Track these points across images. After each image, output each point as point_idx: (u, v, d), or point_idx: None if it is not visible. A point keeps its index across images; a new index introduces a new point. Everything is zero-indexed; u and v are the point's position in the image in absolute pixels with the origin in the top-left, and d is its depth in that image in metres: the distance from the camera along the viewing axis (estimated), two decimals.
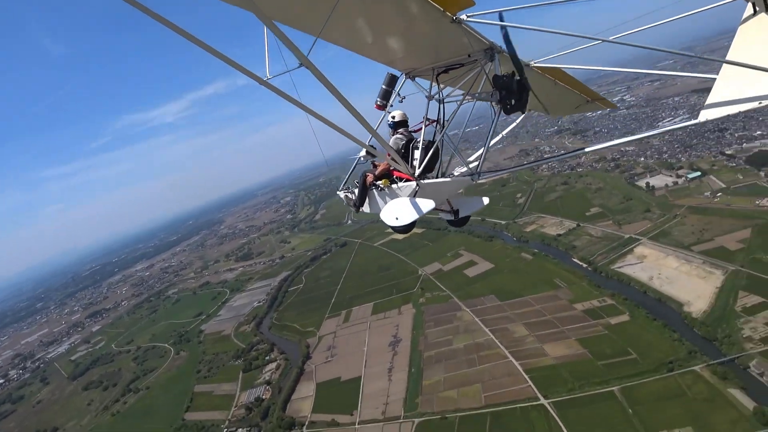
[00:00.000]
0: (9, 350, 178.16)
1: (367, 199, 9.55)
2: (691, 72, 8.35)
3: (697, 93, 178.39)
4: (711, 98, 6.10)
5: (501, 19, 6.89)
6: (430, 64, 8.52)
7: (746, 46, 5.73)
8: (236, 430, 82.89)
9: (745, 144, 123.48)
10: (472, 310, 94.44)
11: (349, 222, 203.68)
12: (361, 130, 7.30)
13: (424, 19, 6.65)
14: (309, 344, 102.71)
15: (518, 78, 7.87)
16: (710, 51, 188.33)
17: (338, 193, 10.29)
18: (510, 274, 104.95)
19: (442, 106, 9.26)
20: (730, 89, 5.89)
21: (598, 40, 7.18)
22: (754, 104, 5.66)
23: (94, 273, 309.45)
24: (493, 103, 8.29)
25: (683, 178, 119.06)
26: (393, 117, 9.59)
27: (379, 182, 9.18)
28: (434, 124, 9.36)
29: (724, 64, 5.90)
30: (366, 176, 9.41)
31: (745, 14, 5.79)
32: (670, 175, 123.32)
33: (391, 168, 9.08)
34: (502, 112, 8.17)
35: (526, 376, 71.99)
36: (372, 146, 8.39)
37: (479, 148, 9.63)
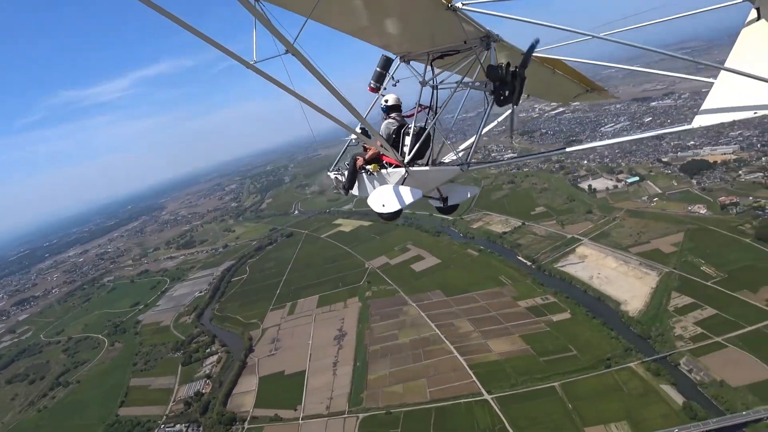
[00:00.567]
0: None
1: (356, 182, 9.90)
2: (690, 74, 8.12)
3: (637, 101, 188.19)
4: (706, 104, 5.88)
5: (532, 47, 7.32)
6: (425, 48, 8.36)
7: (746, 52, 5.51)
8: (174, 425, 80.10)
9: (680, 153, 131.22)
10: (418, 305, 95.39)
11: (296, 212, 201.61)
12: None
13: (419, 4, 6.57)
14: (252, 337, 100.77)
15: (513, 69, 7.75)
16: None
17: (328, 173, 10.76)
18: (456, 269, 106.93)
19: (435, 92, 9.09)
20: (727, 96, 5.69)
21: (589, 35, 6.91)
22: (749, 114, 5.59)
23: (21, 258, 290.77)
24: (487, 93, 8.21)
25: (623, 182, 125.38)
26: (386, 101, 9.64)
27: (368, 166, 9.46)
28: (427, 110, 9.26)
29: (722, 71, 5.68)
30: (356, 160, 9.72)
31: (749, 18, 5.54)
32: (611, 179, 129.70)
33: (381, 153, 9.20)
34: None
35: (470, 372, 73.42)
36: (363, 130, 8.55)
37: (471, 137, 9.69)
